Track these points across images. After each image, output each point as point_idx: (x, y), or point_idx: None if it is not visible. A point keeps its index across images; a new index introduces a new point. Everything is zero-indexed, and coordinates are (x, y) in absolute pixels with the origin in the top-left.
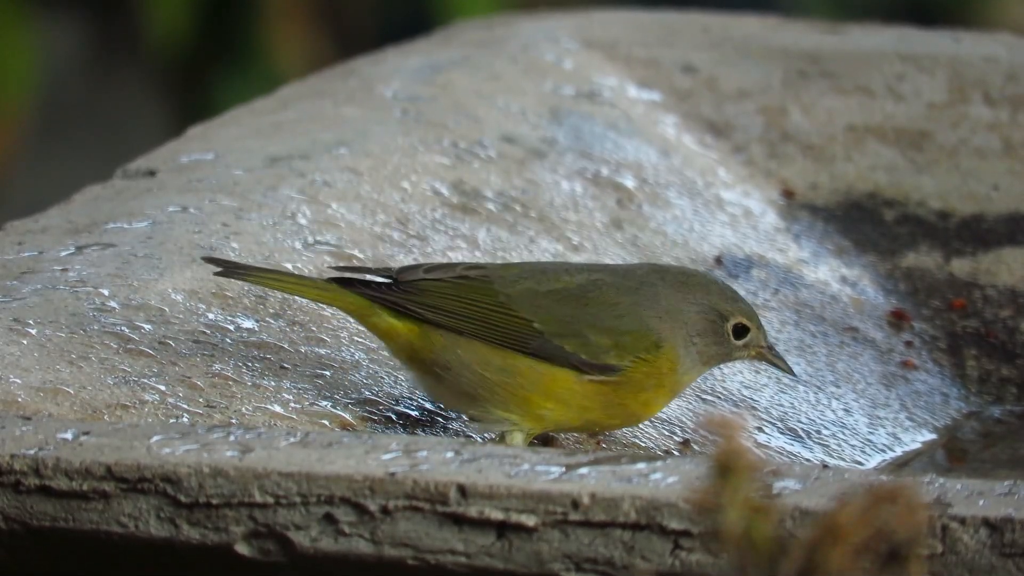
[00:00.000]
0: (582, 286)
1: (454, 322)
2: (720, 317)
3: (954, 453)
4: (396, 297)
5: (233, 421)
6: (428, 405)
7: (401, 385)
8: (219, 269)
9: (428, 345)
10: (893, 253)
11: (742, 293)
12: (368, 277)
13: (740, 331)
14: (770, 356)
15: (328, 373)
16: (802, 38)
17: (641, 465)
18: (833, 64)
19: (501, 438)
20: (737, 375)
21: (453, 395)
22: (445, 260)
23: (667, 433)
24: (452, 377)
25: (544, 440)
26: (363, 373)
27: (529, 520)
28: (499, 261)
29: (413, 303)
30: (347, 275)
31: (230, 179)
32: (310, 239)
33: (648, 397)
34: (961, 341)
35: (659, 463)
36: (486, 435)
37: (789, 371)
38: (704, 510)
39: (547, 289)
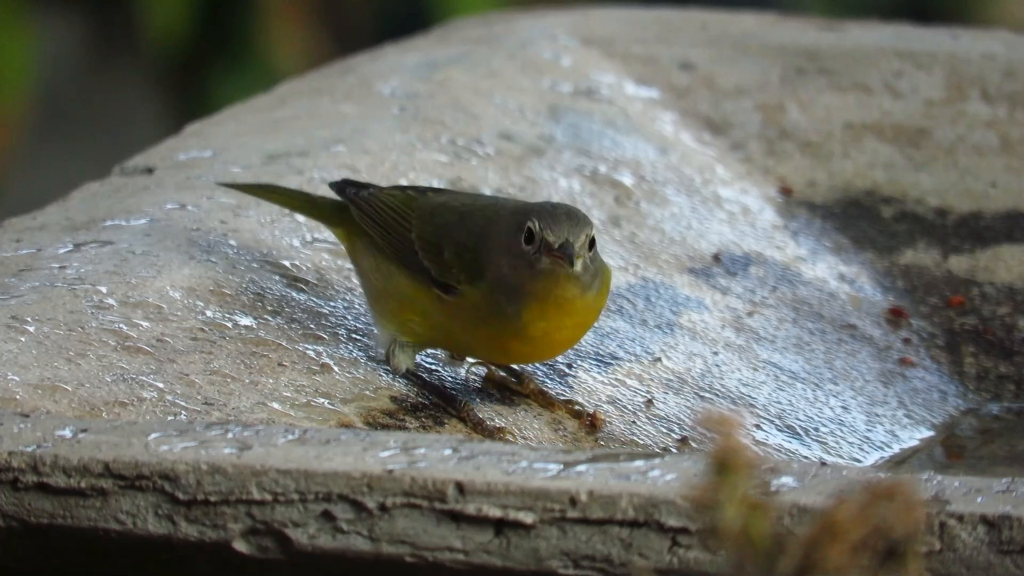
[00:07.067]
0: (479, 206)
1: (368, 225)
2: (518, 230)
3: (952, 450)
4: (348, 198)
5: (231, 418)
6: (426, 402)
7: (400, 382)
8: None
9: (351, 248)
10: (891, 250)
11: (739, 290)
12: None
13: (528, 236)
14: (555, 254)
15: (326, 371)
16: (800, 35)
17: (639, 462)
18: (831, 61)
19: (390, 351)
20: (735, 372)
21: (367, 303)
22: None
23: (665, 430)
24: (361, 282)
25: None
26: (361, 370)
27: (527, 517)
28: None
29: (356, 204)
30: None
31: (228, 176)
32: (308, 236)
33: (485, 332)
34: (959, 338)
35: (657, 460)
36: (379, 350)
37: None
38: (702, 507)
39: (450, 204)
